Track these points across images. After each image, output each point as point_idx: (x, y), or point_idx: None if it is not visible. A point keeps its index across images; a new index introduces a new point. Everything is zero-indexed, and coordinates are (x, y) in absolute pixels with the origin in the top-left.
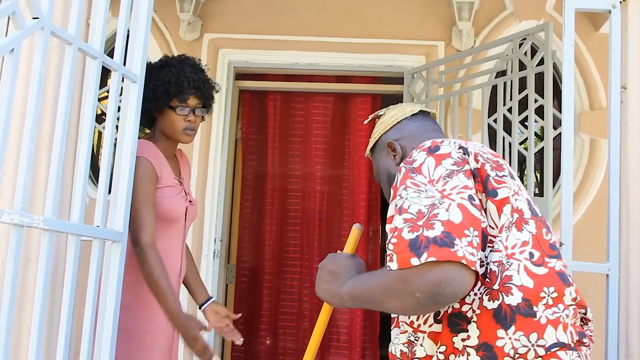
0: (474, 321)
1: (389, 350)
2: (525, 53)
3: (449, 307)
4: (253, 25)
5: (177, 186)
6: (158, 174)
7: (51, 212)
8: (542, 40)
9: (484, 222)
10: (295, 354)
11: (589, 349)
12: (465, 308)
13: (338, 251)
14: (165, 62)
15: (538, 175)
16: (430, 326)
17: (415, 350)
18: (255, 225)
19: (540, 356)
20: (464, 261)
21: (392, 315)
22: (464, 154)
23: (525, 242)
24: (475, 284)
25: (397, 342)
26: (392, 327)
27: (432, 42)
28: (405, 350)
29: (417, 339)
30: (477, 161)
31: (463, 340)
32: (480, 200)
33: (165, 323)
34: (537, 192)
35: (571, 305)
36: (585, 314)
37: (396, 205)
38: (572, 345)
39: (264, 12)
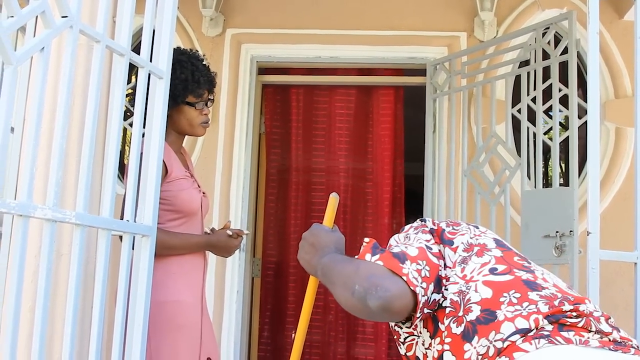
0: (447, 350)
1: None
2: (549, 42)
3: (435, 352)
4: (275, 19)
5: (188, 178)
6: (168, 169)
7: (82, 208)
8: (566, 29)
9: (440, 268)
10: (322, 347)
11: (585, 332)
12: (446, 347)
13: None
14: (176, 60)
15: (563, 165)
16: None
17: None
18: (280, 218)
19: (499, 349)
20: (404, 278)
21: None
22: (422, 222)
23: (485, 263)
24: (414, 316)
25: None
26: None
27: (454, 33)
28: None
29: None
30: (434, 224)
31: None
32: (439, 250)
33: (195, 317)
34: (562, 182)
35: (541, 300)
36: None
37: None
38: (546, 330)
39: (285, 6)
